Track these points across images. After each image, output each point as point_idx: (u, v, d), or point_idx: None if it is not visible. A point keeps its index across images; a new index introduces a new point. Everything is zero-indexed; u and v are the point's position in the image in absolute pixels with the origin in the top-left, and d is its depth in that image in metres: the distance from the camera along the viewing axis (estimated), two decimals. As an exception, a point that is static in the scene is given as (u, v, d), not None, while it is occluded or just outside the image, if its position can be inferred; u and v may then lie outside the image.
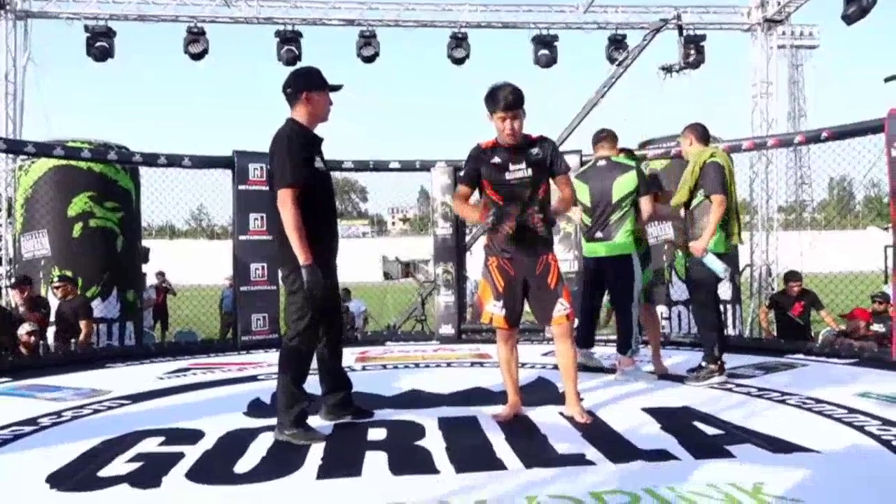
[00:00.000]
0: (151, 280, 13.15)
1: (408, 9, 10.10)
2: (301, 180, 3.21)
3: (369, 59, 10.10)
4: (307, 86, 3.37)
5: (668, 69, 9.09)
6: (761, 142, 6.84)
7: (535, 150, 3.56)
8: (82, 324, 7.08)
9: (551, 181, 3.64)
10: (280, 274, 3.52)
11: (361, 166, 7.59)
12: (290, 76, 3.44)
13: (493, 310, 3.62)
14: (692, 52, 9.16)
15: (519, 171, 3.52)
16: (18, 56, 9.43)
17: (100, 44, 9.52)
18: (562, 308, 3.55)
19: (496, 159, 3.55)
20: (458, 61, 10.24)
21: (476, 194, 3.75)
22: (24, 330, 6.80)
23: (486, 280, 3.66)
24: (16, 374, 5.23)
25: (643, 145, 8.83)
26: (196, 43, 9.72)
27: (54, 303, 7.53)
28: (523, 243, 3.54)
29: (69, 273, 7.82)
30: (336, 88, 3.48)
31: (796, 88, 58.77)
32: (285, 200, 3.17)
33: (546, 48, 10.31)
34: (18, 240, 8.52)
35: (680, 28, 9.32)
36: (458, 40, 10.13)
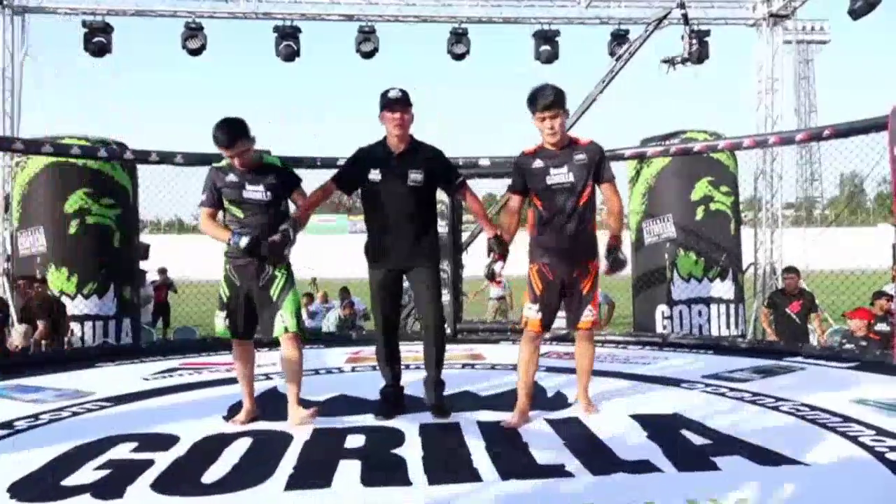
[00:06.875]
0: (153, 276, 13.14)
1: (408, 4, 9.99)
2: (332, 181, 3.80)
3: (368, 55, 10.00)
4: (380, 108, 3.64)
5: (669, 61, 8.88)
6: (762, 139, 6.70)
7: (579, 156, 3.56)
8: (39, 324, 7.01)
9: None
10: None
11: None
12: None
13: (529, 313, 3.64)
14: (695, 41, 8.96)
15: (559, 176, 3.53)
16: (16, 51, 9.38)
17: (97, 39, 9.47)
18: (589, 314, 3.66)
19: (537, 163, 3.58)
20: (459, 57, 10.12)
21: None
22: (17, 333, 6.77)
23: (527, 284, 3.69)
24: (3, 372, 5.16)
25: (644, 142, 8.71)
26: (194, 38, 9.65)
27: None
28: (565, 251, 3.58)
29: (35, 274, 7.81)
30: (390, 103, 3.58)
31: (807, 84, 58.31)
32: None
33: (547, 43, 10.17)
34: (15, 236, 8.50)
35: (685, 16, 9.10)
36: (459, 36, 10.01)
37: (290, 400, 3.58)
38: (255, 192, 3.49)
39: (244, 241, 3.39)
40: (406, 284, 3.96)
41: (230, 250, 3.52)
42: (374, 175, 3.65)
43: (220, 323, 3.60)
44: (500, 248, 3.64)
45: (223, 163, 3.56)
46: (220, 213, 3.62)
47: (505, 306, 12.39)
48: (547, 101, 3.46)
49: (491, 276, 3.69)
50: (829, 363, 5.25)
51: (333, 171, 6.56)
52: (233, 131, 3.41)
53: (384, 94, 3.62)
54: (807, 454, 2.88)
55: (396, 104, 3.57)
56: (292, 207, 3.76)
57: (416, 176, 3.63)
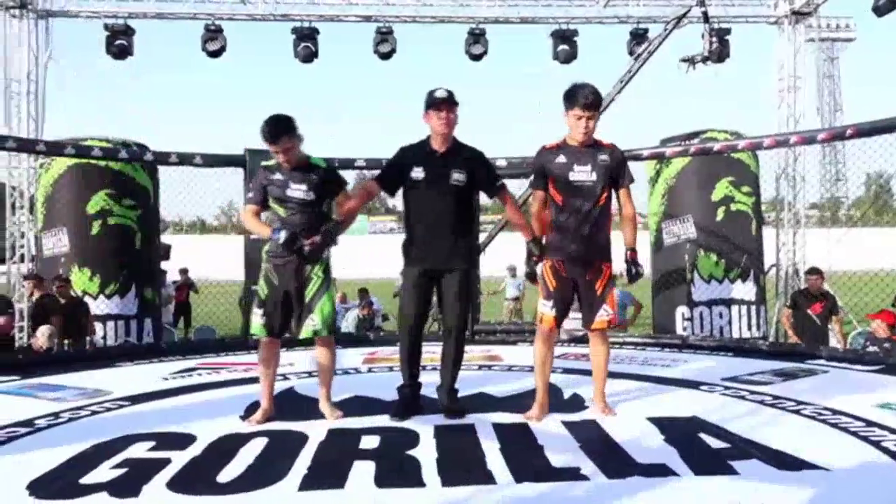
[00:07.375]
0: (174, 276, 13.28)
1: (425, 4, 9.99)
2: (375, 181, 3.87)
3: (386, 56, 10.01)
4: (425, 107, 3.66)
5: (689, 60, 8.76)
6: (783, 139, 6.61)
7: (603, 157, 3.61)
8: (52, 320, 7.11)
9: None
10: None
11: (375, 164, 7.50)
12: None
13: (543, 309, 3.71)
14: (715, 39, 8.83)
15: (583, 174, 3.58)
16: (40, 55, 9.52)
17: (119, 42, 9.58)
18: (605, 314, 3.67)
19: (560, 159, 3.62)
20: (477, 58, 10.10)
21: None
22: (42, 334, 6.86)
23: (541, 281, 3.74)
24: (25, 371, 5.24)
25: (664, 142, 8.63)
26: (214, 40, 9.72)
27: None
28: (579, 250, 3.61)
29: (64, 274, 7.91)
30: (437, 102, 3.60)
31: (832, 82, 57.37)
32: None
33: (565, 43, 10.10)
34: (39, 237, 8.63)
35: (705, 14, 8.98)
36: (476, 36, 9.98)
37: (322, 398, 3.74)
38: (298, 190, 3.57)
39: (283, 236, 3.46)
40: None
41: (270, 248, 3.61)
42: (417, 173, 3.68)
43: (256, 320, 3.68)
44: (539, 249, 3.70)
45: (272, 162, 3.66)
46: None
47: (519, 307, 12.36)
48: (588, 100, 3.51)
49: (532, 276, 3.78)
50: (852, 366, 5.16)
51: (349, 173, 6.53)
52: (277, 127, 3.50)
53: (430, 94, 3.65)
54: (827, 459, 2.82)
55: (443, 103, 3.61)
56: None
57: (458, 176, 3.67)
